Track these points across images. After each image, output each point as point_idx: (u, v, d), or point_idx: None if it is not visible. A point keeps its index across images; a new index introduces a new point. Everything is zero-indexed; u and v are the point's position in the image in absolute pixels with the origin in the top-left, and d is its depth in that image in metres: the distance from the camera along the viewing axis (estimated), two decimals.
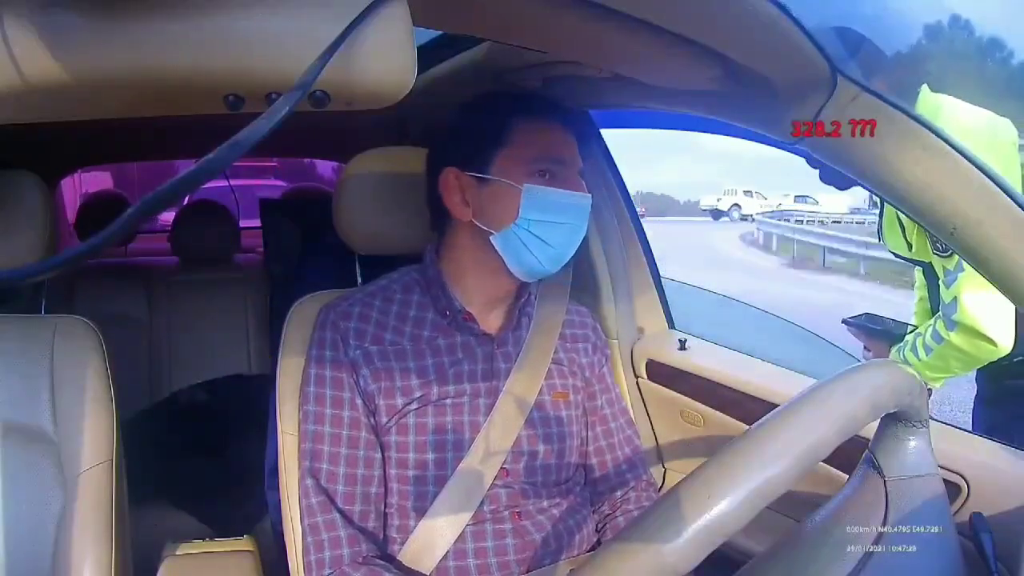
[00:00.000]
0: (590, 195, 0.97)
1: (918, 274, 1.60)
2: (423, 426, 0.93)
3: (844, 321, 1.66)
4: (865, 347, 1.65)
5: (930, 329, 1.37)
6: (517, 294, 1.02)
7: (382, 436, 0.94)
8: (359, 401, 0.93)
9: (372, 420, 0.94)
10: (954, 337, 1.30)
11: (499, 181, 0.93)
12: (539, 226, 0.92)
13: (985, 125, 1.34)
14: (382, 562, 0.91)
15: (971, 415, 1.61)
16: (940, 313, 1.34)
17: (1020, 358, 1.38)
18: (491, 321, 1.01)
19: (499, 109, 0.97)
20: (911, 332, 1.48)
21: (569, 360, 1.05)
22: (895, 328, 1.59)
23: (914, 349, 1.41)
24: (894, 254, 1.54)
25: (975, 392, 1.60)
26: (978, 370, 1.55)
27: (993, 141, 1.31)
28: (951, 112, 1.36)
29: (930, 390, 1.43)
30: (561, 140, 0.96)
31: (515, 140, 0.94)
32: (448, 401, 0.95)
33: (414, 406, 0.93)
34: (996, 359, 1.31)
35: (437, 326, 0.98)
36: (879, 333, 1.59)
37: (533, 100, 1.00)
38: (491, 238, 0.94)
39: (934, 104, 1.36)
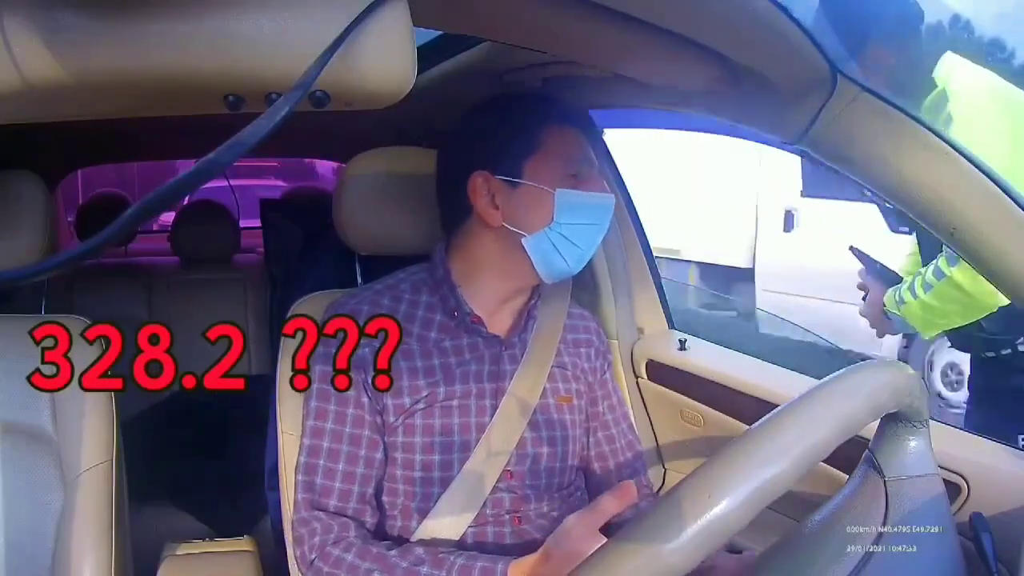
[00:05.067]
0: (613, 195, 0.98)
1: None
2: (429, 427, 0.93)
3: (851, 248, 1.59)
4: (859, 286, 1.58)
5: (932, 266, 1.33)
6: (528, 296, 1.02)
7: (388, 436, 0.93)
8: (364, 399, 0.93)
9: (379, 419, 0.93)
10: (956, 273, 1.26)
11: (532, 185, 0.93)
12: (570, 229, 0.93)
13: (999, 87, 1.34)
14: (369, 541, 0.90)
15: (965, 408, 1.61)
16: (943, 251, 1.31)
17: (1008, 351, 1.38)
18: (499, 323, 1.01)
19: (528, 113, 0.97)
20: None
21: (572, 364, 1.05)
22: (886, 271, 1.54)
23: (912, 288, 1.38)
24: None
25: (968, 391, 1.59)
26: (971, 368, 1.54)
27: (1008, 103, 1.31)
28: (967, 73, 1.35)
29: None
30: (584, 142, 0.98)
31: (546, 145, 0.95)
32: (454, 402, 0.95)
33: (421, 406, 0.93)
34: (995, 311, 1.27)
35: (444, 328, 0.98)
36: (879, 271, 1.54)
37: (559, 104, 1.01)
38: (523, 240, 0.94)
39: (952, 65, 1.34)
